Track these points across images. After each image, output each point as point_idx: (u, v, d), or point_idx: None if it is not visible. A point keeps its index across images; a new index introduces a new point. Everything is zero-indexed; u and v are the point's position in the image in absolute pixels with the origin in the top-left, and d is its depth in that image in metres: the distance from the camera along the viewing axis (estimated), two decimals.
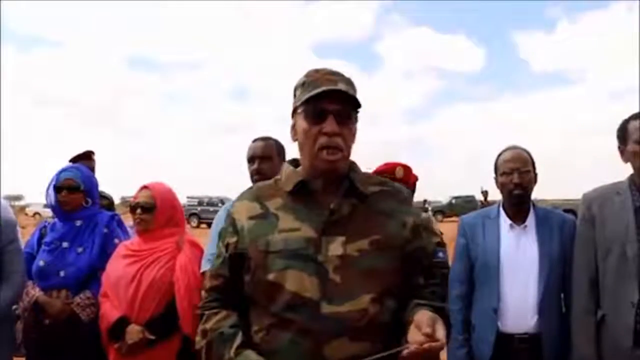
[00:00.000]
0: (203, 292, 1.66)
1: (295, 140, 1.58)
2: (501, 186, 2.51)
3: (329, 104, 1.48)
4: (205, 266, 2.64)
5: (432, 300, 1.54)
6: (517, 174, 2.43)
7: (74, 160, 4.03)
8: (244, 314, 1.55)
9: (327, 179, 1.53)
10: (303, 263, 1.45)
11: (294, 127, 1.57)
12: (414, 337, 1.30)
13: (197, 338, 1.58)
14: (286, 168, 1.62)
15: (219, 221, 2.78)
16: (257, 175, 2.70)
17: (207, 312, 1.58)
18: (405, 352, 1.29)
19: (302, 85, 1.54)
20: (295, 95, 1.57)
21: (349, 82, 1.55)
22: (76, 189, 2.89)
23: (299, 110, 1.52)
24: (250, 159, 2.76)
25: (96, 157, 4.19)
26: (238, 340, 1.48)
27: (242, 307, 1.56)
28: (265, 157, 2.74)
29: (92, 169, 4.04)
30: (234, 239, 1.56)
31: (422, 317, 1.34)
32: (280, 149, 2.82)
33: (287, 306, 1.44)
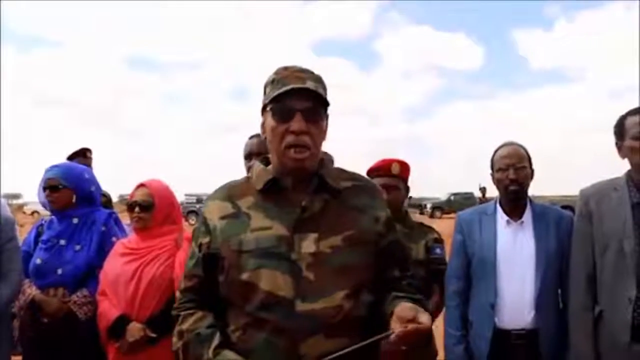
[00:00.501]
0: (177, 293, 1.66)
1: (264, 137, 1.58)
2: (497, 182, 2.51)
3: (296, 102, 1.48)
4: None
5: (409, 292, 1.55)
6: (512, 170, 2.43)
7: (70, 158, 4.03)
8: (220, 314, 1.55)
9: (297, 177, 1.53)
10: (276, 262, 1.45)
11: (263, 124, 1.57)
12: (397, 326, 1.32)
13: (174, 339, 1.58)
14: (257, 166, 1.62)
15: None
16: None
17: (182, 313, 1.58)
18: (392, 336, 1.30)
19: (272, 82, 1.53)
20: (265, 93, 1.57)
21: (318, 80, 1.54)
22: (57, 187, 2.87)
23: (268, 108, 1.52)
24: (248, 156, 2.74)
25: (93, 155, 4.19)
26: (216, 340, 1.48)
27: (218, 307, 1.56)
28: (262, 154, 2.73)
29: (89, 167, 4.05)
30: (206, 239, 1.56)
31: (403, 308, 1.36)
32: None
33: (262, 305, 1.44)
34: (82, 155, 4.09)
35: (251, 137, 2.80)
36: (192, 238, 1.64)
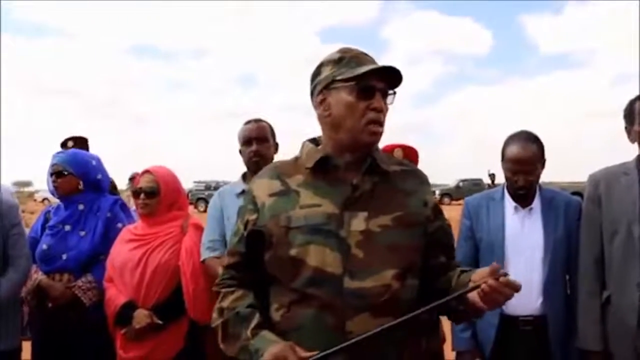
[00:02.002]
0: (220, 269, 1.66)
1: (326, 115, 1.55)
2: (506, 178, 2.46)
3: (376, 81, 1.51)
4: (205, 254, 2.63)
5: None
6: (522, 177, 2.37)
7: (63, 145, 4.04)
8: (261, 293, 1.56)
9: (352, 156, 1.55)
10: (325, 238, 1.46)
11: (322, 102, 1.56)
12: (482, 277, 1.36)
13: (214, 315, 1.58)
14: (306, 146, 1.63)
15: (213, 206, 2.77)
16: (256, 157, 2.67)
17: (223, 290, 1.59)
18: (484, 285, 1.33)
19: (339, 61, 1.54)
20: (320, 73, 1.57)
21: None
22: (62, 173, 2.88)
23: (339, 85, 1.52)
24: (247, 141, 2.72)
25: (79, 142, 4.16)
26: (255, 320, 1.49)
27: (260, 286, 1.56)
28: (261, 139, 2.71)
29: None
30: (253, 217, 1.57)
31: (480, 272, 1.40)
32: (272, 130, 2.80)
33: (310, 281, 1.45)
34: (63, 146, 4.08)
35: (247, 123, 2.77)
36: (238, 215, 1.65)
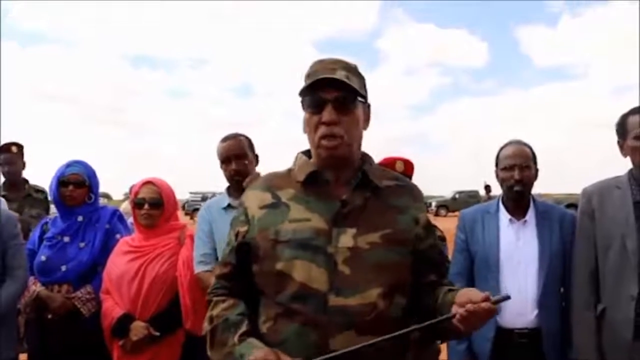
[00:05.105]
0: (213, 279, 1.66)
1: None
2: (501, 181, 2.50)
3: (327, 92, 1.47)
4: (197, 268, 2.60)
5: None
6: (517, 170, 2.41)
7: None
8: (253, 305, 1.55)
9: (339, 170, 1.53)
10: (312, 254, 1.44)
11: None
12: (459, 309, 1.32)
13: (205, 324, 1.57)
14: (299, 158, 1.61)
15: (202, 220, 2.74)
16: (237, 175, 2.65)
17: (214, 299, 1.58)
18: (462, 310, 1.30)
19: (307, 76, 1.53)
20: None
21: (350, 69, 1.53)
22: (82, 184, 2.90)
23: (301, 101, 1.53)
24: (226, 160, 2.69)
25: (23, 150, 4.18)
26: (243, 327, 1.47)
27: (251, 299, 1.55)
28: (239, 155, 2.68)
29: (14, 162, 4.07)
30: (244, 228, 1.56)
31: (462, 293, 1.37)
32: (250, 144, 2.77)
33: (294, 296, 1.43)
34: (7, 151, 4.08)
35: (224, 140, 2.73)
36: (231, 226, 1.64)
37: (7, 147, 4.08)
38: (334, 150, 1.48)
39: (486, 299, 1.30)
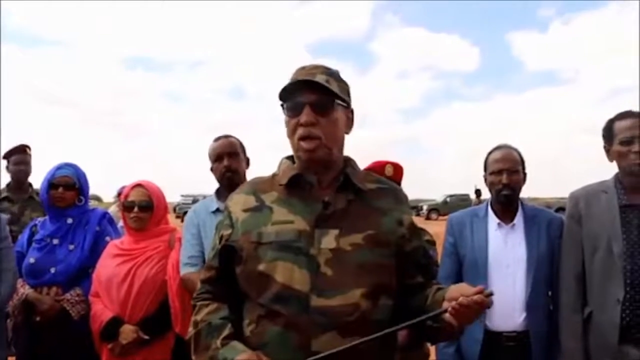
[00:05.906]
0: (198, 284, 1.67)
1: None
2: (490, 185, 2.52)
3: (305, 95, 1.50)
4: (184, 270, 2.59)
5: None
6: (506, 174, 2.43)
7: (7, 155, 4.05)
8: (238, 308, 1.56)
9: (321, 173, 1.55)
10: (294, 255, 1.45)
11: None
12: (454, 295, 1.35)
13: (190, 329, 1.59)
14: (283, 162, 1.63)
15: (190, 223, 2.72)
16: (229, 172, 2.66)
17: (198, 304, 1.59)
18: (454, 303, 1.32)
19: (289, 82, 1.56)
20: None
21: (330, 73, 1.56)
22: (72, 186, 2.89)
23: (282, 106, 1.56)
24: (219, 157, 2.69)
25: (32, 152, 4.20)
26: (226, 331, 1.48)
27: (236, 302, 1.56)
28: (233, 154, 2.69)
29: (28, 163, 4.10)
30: (228, 232, 1.57)
31: (453, 289, 1.39)
32: (242, 145, 2.78)
33: (276, 298, 1.44)
34: (22, 152, 4.10)
35: (217, 139, 2.75)
36: (216, 230, 1.66)
37: (23, 148, 4.10)
38: (313, 153, 1.50)
39: (479, 292, 1.32)
